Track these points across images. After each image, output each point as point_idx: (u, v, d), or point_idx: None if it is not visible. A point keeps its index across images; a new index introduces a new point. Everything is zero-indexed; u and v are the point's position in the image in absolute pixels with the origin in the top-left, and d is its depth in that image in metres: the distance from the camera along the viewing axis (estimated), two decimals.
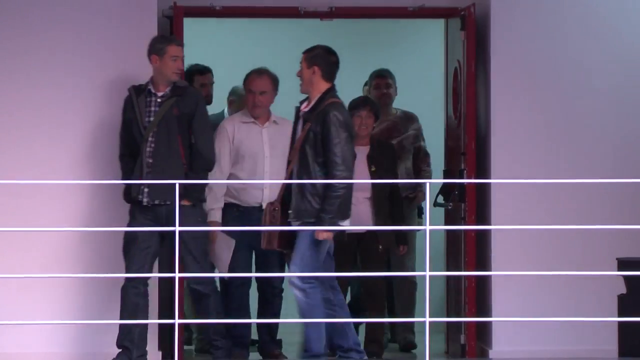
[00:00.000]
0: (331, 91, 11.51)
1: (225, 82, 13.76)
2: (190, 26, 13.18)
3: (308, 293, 11.25)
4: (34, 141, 12.62)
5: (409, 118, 13.02)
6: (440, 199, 13.16)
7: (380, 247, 12.60)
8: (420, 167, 12.93)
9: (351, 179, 11.29)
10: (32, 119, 12.65)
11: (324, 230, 11.04)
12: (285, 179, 11.61)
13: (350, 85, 13.16)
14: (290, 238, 11.48)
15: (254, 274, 12.61)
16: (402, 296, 13.00)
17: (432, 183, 11.72)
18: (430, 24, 14.32)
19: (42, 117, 12.74)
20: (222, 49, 14.15)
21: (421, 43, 15.34)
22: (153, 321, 11.78)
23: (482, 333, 12.77)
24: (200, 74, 13.45)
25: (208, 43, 14.43)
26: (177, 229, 10.40)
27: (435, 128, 14.06)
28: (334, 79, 11.69)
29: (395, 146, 12.74)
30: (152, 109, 12.08)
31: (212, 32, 14.59)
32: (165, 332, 12.44)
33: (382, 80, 13.12)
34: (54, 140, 12.63)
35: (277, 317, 12.69)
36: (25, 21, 12.81)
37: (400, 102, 14.31)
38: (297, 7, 13.13)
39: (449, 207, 13.20)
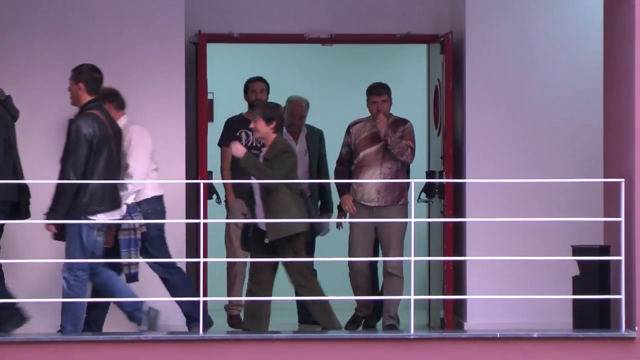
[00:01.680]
0: (90, 103, 11.12)
1: (236, 96, 13.61)
2: (211, 50, 13.10)
3: (71, 285, 10.92)
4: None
5: (400, 123, 12.47)
6: (423, 196, 13.20)
7: None
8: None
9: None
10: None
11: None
12: None
13: (348, 98, 13.34)
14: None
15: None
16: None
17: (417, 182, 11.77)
18: (415, 48, 14.23)
19: None
20: (237, 71, 14.14)
21: (407, 64, 15.25)
22: (183, 299, 11.77)
23: (459, 309, 12.85)
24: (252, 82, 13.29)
25: (227, 65, 14.39)
26: (202, 221, 10.62)
27: (419, 136, 13.66)
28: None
29: (380, 147, 12.25)
30: None
31: (231, 55, 14.54)
32: None
33: (376, 97, 12.46)
34: None
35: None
36: (71, 50, 12.61)
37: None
38: (302, 34, 13.25)
39: (431, 203, 13.29)
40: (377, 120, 11.98)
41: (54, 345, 10.35)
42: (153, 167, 11.54)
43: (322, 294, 11.37)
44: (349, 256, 12.14)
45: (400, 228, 11.99)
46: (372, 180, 12.02)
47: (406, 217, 11.90)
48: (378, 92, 12.25)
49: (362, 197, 11.97)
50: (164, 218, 11.65)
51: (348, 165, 12.26)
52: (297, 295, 11.52)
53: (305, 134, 13.31)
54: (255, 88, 12.95)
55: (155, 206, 11.61)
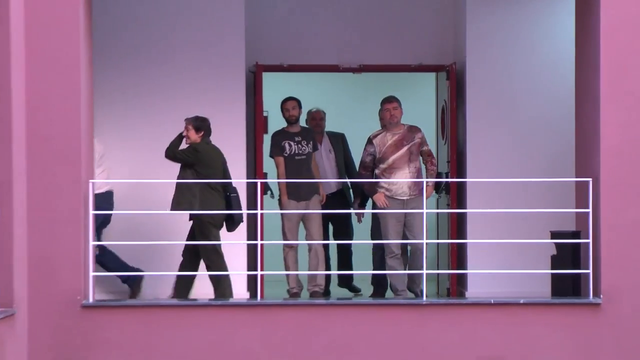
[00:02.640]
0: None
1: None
2: (266, 76, 13.12)
3: None
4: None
5: (413, 129, 11.90)
6: (433, 193, 12.84)
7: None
8: (427, 166, 11.92)
9: None
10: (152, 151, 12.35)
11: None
12: None
13: (372, 114, 13.32)
14: None
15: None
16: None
17: (430, 181, 11.63)
18: (426, 75, 14.14)
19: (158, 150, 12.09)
20: (287, 92, 13.91)
21: (420, 88, 15.13)
22: (243, 272, 11.97)
23: (461, 281, 12.84)
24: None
25: (279, 88, 14.04)
26: (259, 212, 10.72)
27: (430, 145, 14.11)
28: None
29: (406, 152, 11.77)
30: None
31: (281, 80, 14.31)
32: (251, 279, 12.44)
33: (389, 104, 11.94)
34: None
35: None
36: (152, 75, 12.65)
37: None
38: (337, 65, 13.26)
39: (439, 197, 13.31)
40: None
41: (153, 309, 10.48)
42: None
43: (225, 269, 11.45)
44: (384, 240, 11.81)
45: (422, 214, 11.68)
46: (395, 180, 11.74)
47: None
48: (389, 100, 11.85)
49: (396, 193, 11.61)
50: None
51: (371, 170, 11.88)
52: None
53: (327, 137, 13.08)
54: (288, 107, 12.58)
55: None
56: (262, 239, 11.17)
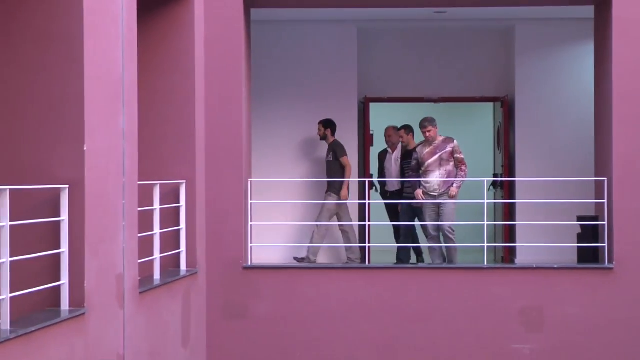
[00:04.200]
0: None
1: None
2: (373, 106, 13.03)
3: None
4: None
5: (447, 140, 11.04)
6: (492, 188, 13.09)
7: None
8: (458, 171, 10.92)
9: None
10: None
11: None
12: None
13: (447, 133, 12.99)
14: None
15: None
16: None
17: (484, 180, 11.58)
18: (486, 105, 13.87)
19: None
20: (388, 117, 13.65)
21: (481, 113, 14.75)
22: (356, 245, 11.64)
23: (512, 251, 12.57)
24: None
25: (382, 113, 13.88)
26: (367, 201, 10.79)
27: (488, 155, 13.89)
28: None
29: (437, 158, 10.96)
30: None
31: (383, 107, 13.99)
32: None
33: (423, 129, 11.07)
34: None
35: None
36: (290, 104, 12.51)
37: (471, 144, 14.02)
38: (422, 97, 13.13)
39: (495, 192, 13.18)
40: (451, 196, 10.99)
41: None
42: None
43: None
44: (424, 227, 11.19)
45: (451, 205, 11.04)
46: (429, 179, 11.23)
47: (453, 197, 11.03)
48: (423, 126, 11.05)
49: (429, 189, 10.98)
50: None
51: (417, 171, 11.20)
52: None
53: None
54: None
55: None
56: (369, 221, 11.24)
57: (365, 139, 12.97)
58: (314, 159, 12.55)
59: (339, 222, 11.60)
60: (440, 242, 10.86)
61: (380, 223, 11.97)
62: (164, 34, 9.28)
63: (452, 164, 10.98)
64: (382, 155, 12.46)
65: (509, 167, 12.93)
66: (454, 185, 10.92)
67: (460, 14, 12.30)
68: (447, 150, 11.02)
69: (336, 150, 11.71)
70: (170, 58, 9.28)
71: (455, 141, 11.07)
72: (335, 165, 11.71)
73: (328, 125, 11.92)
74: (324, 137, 11.91)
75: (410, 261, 11.49)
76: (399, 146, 12.19)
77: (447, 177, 10.93)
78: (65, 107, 6.39)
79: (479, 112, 15.00)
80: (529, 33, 12.64)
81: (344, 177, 11.54)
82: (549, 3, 11.16)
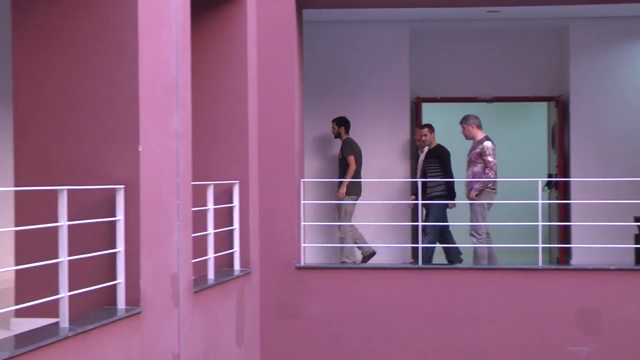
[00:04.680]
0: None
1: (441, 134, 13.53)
2: (425, 106, 13.08)
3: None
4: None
5: (479, 141, 10.78)
6: (546, 188, 12.99)
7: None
8: (483, 172, 10.63)
9: None
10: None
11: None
12: None
13: (500, 133, 13.22)
14: None
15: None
16: None
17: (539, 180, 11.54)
18: (540, 105, 13.80)
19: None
20: (440, 116, 13.65)
21: (536, 113, 14.67)
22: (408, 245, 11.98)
23: (567, 252, 12.56)
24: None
25: (435, 113, 13.95)
26: (420, 202, 10.85)
27: (542, 155, 13.83)
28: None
29: (467, 158, 10.83)
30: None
31: (435, 107, 13.99)
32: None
33: (462, 126, 10.95)
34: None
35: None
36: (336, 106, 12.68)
37: (524, 144, 14.16)
38: (476, 97, 13.15)
39: (549, 192, 13.10)
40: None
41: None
42: None
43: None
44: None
45: (477, 207, 10.72)
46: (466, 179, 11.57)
47: (480, 199, 10.72)
48: (460, 123, 10.86)
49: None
50: None
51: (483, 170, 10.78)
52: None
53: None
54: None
55: None
56: (422, 221, 11.19)
57: (415, 139, 12.88)
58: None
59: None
60: (474, 244, 10.77)
61: (435, 224, 11.83)
62: (217, 35, 9.33)
63: (480, 165, 10.68)
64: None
65: (564, 167, 12.86)
66: (474, 188, 10.61)
67: (514, 13, 12.26)
68: (476, 150, 10.76)
69: (344, 148, 11.74)
70: (223, 59, 9.33)
71: (486, 142, 10.74)
72: (343, 163, 11.71)
73: (342, 123, 11.98)
74: (337, 135, 11.96)
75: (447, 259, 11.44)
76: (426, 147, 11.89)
77: (472, 178, 10.69)
78: (120, 109, 6.43)
79: (532, 111, 14.93)
80: (584, 31, 12.59)
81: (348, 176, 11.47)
82: (604, 1, 11.10)
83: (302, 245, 10.34)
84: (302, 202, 10.36)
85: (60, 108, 6.49)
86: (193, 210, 7.70)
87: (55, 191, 5.71)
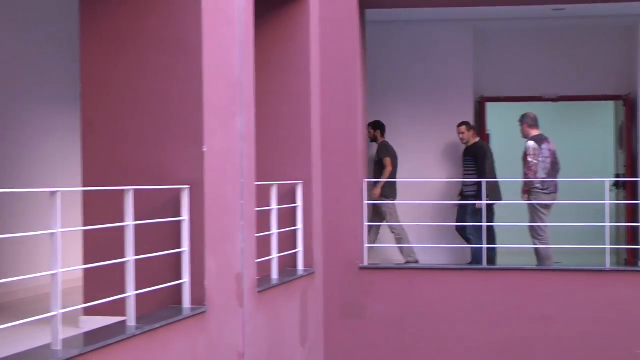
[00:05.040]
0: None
1: (504, 132, 13.42)
2: (490, 105, 13.02)
3: None
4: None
5: (526, 142, 10.61)
6: (613, 188, 12.83)
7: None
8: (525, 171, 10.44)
9: None
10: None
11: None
12: None
13: (566, 133, 13.08)
14: None
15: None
16: None
17: (606, 180, 11.39)
18: (606, 104, 13.65)
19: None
20: (504, 117, 13.59)
21: (603, 112, 14.46)
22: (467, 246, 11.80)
23: (635, 253, 12.24)
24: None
25: (498, 112, 13.78)
26: (484, 203, 10.81)
27: (609, 155, 13.67)
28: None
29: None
30: None
31: (500, 107, 13.78)
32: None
33: (520, 123, 10.83)
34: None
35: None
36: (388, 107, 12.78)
37: (591, 143, 13.96)
38: (540, 96, 13.04)
39: (617, 192, 12.93)
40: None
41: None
42: None
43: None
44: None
45: (533, 206, 10.52)
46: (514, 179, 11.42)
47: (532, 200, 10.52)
48: (519, 120, 10.77)
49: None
50: None
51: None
52: None
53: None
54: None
55: None
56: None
57: (482, 139, 12.77)
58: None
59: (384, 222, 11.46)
60: (535, 244, 10.59)
61: (502, 224, 11.71)
62: (280, 35, 9.38)
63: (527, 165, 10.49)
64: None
65: (632, 167, 12.66)
66: (523, 189, 10.44)
67: (580, 11, 12.13)
68: (524, 151, 10.59)
69: (380, 150, 11.64)
70: (286, 59, 9.38)
71: (528, 142, 10.58)
72: (379, 165, 11.64)
73: (377, 127, 11.92)
74: (374, 139, 11.90)
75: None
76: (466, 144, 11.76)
77: (523, 179, 10.46)
78: (185, 110, 6.51)
79: (599, 110, 14.77)
80: None
81: (384, 177, 11.35)
82: None
83: (365, 245, 10.33)
84: (365, 202, 10.35)
85: (125, 108, 6.59)
86: (257, 211, 7.74)
87: (122, 191, 5.79)
